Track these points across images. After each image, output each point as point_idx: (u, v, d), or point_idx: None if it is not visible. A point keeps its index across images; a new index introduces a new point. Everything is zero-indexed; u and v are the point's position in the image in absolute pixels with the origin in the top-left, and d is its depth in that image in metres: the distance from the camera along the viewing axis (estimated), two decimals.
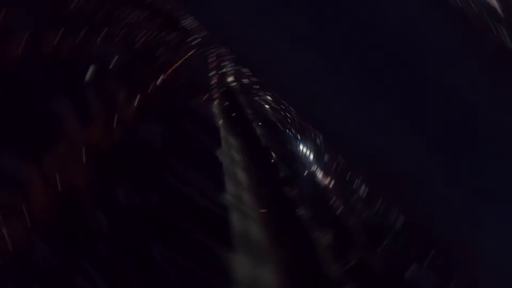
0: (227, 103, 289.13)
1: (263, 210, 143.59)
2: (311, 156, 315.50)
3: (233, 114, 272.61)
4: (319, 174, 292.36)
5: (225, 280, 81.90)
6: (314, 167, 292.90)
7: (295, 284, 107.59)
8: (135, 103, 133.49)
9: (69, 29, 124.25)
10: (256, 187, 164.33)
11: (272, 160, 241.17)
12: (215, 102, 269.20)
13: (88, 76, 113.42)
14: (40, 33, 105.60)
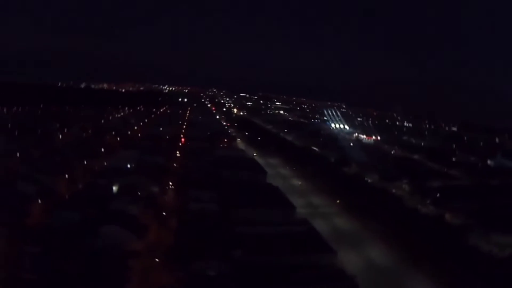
0: (247, 133, 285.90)
1: (338, 201, 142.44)
2: (346, 127, 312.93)
3: (259, 138, 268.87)
4: (363, 137, 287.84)
5: (349, 281, 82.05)
6: (354, 135, 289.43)
7: (409, 242, 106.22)
8: (170, 186, 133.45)
9: (68, 161, 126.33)
10: (319, 185, 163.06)
11: (319, 153, 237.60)
12: (237, 139, 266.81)
13: (114, 190, 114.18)
14: (48, 185, 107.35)
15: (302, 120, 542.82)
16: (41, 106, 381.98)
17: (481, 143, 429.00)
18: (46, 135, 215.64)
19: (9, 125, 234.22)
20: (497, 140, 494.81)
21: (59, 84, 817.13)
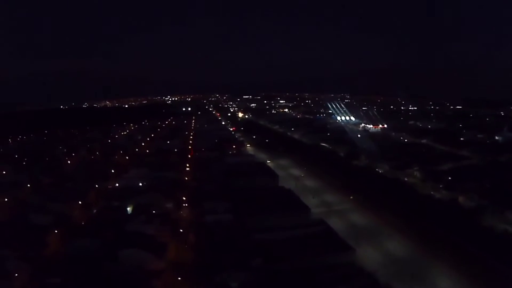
0: (254, 136, 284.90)
1: (351, 197, 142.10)
2: (352, 118, 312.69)
3: (267, 141, 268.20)
4: (370, 126, 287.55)
5: (370, 276, 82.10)
6: (361, 125, 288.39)
7: (425, 230, 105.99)
8: (183, 201, 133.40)
9: (79, 186, 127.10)
10: (331, 182, 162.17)
11: (327, 149, 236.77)
12: (245, 144, 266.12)
13: (129, 211, 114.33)
14: (62, 213, 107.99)
15: (307, 116, 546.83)
16: (46, 131, 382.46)
17: (487, 119, 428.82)
18: (54, 161, 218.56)
19: (16, 155, 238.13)
20: (502, 113, 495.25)
21: (61, 107, 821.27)
